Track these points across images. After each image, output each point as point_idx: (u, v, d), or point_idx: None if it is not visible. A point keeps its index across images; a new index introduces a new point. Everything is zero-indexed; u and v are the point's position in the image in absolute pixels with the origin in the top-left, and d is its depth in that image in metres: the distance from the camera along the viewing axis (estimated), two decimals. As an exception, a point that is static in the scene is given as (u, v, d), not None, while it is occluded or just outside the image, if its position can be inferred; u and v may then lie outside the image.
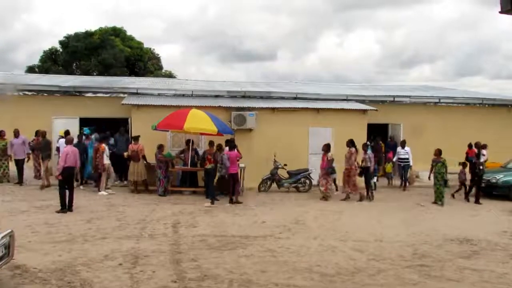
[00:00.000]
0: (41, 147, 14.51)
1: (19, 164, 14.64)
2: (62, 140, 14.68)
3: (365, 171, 13.94)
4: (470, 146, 15.92)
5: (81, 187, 14.18)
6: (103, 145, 13.88)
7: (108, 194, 13.50)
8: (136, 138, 14.13)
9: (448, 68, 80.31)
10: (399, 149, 16.10)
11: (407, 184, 16.13)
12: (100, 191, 13.57)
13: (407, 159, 15.94)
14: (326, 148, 13.91)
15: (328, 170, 13.78)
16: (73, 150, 11.32)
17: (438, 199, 13.49)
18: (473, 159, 14.50)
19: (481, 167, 13.96)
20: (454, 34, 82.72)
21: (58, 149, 14.61)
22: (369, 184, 14.01)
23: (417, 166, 17.74)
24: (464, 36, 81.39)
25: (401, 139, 16.74)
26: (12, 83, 17.43)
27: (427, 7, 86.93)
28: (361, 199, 13.69)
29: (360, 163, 13.97)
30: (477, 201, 13.74)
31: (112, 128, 16.80)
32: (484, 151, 14.92)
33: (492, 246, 8.85)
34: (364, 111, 16.80)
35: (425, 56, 78.42)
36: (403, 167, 16.07)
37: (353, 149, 13.82)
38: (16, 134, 14.56)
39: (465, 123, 18.58)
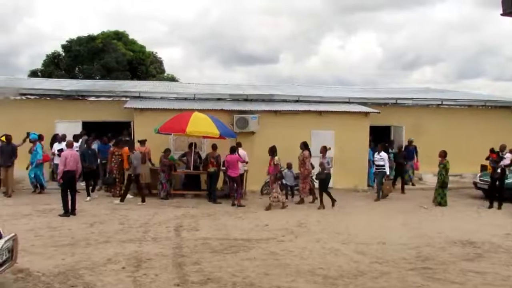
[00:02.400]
0: (4, 152, 13.46)
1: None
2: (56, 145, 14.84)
3: (319, 176, 13.09)
4: (492, 151, 14.85)
5: (96, 195, 13.58)
6: (127, 148, 13.97)
7: (133, 197, 13.59)
8: (143, 141, 14.18)
9: (450, 70, 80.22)
10: (375, 154, 14.80)
11: (380, 194, 14.41)
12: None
13: (383, 165, 14.43)
14: (271, 151, 12.96)
15: (276, 175, 12.82)
16: (73, 153, 11.36)
17: (439, 200, 13.56)
18: (490, 163, 14.15)
19: (498, 171, 13.57)
20: (456, 36, 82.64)
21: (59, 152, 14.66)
22: (324, 190, 13.00)
23: (420, 168, 17.74)
24: (466, 38, 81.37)
25: (379, 143, 15.45)
26: (12, 87, 17.31)
27: (428, 9, 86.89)
28: (313, 201, 13.61)
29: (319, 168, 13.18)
30: (493, 205, 13.39)
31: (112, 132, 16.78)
32: (509, 155, 13.92)
33: (495, 248, 8.82)
34: (366, 113, 16.78)
35: (427, 58, 78.32)
36: (378, 174, 14.61)
37: (306, 152, 13.60)
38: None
39: (467, 125, 18.54)
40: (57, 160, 14.70)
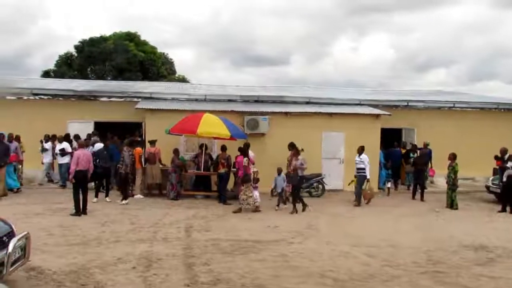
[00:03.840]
0: None
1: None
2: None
3: (293, 180, 12.47)
4: (496, 158, 14.77)
5: (109, 199, 13.10)
6: (139, 148, 14.02)
7: (144, 198, 13.72)
8: (153, 142, 14.25)
9: (463, 72, 79.47)
10: (356, 157, 13.97)
11: (360, 200, 13.68)
12: (135, 194, 13.76)
13: (363, 169, 13.66)
14: (243, 152, 12.97)
15: (245, 178, 12.54)
16: (85, 153, 11.44)
17: (450, 204, 13.51)
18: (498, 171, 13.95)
19: (504, 179, 13.28)
20: (469, 38, 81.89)
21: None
22: (297, 196, 12.57)
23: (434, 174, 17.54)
24: (480, 39, 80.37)
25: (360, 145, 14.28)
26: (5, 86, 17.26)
27: (441, 11, 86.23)
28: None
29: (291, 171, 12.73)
30: (505, 210, 13.09)
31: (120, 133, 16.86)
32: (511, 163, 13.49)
33: (508, 253, 8.71)
34: (377, 115, 16.71)
35: (440, 60, 77.74)
36: (358, 178, 13.83)
37: (294, 151, 13.48)
38: (10, 139, 14.00)
39: (480, 128, 18.38)
40: (61, 160, 14.82)
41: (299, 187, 12.77)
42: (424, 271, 7.41)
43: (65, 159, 14.75)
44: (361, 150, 13.86)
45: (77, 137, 14.96)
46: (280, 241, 9.10)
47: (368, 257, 8.14)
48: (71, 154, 13.70)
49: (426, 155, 16.15)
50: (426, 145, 16.57)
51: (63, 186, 14.88)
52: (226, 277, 6.76)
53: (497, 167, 14.82)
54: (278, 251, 8.30)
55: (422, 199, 14.68)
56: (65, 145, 14.92)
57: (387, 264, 7.72)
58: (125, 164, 13.06)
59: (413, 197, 15.03)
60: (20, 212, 10.94)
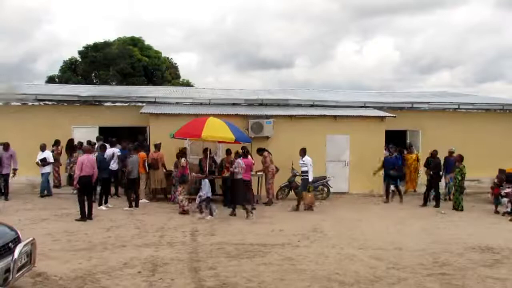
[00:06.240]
0: None
1: (5, 179, 13.79)
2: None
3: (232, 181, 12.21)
4: (495, 184, 14.14)
5: (110, 205, 12.98)
6: (143, 152, 14.03)
7: (149, 202, 13.78)
8: (157, 146, 14.26)
9: (468, 74, 79.30)
10: (300, 159, 13.30)
11: (301, 204, 13.04)
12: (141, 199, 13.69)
13: (306, 172, 13.00)
14: (180, 154, 12.97)
15: (181, 178, 12.37)
16: (90, 159, 11.43)
17: (456, 205, 13.48)
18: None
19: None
20: (474, 39, 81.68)
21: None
22: (247, 197, 12.25)
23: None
24: (485, 41, 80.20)
25: (303, 147, 13.53)
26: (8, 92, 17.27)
27: (447, 12, 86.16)
28: (268, 203, 13.71)
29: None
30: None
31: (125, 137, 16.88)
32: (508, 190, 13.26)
33: (515, 254, 8.68)
34: (382, 118, 16.68)
35: (444, 62, 77.59)
36: (301, 182, 13.26)
37: (265, 153, 13.74)
38: (6, 147, 13.72)
39: (485, 129, 18.30)
40: (42, 170, 14.34)
41: (237, 190, 12.34)
42: (430, 273, 7.38)
43: (46, 169, 14.39)
44: (303, 153, 13.28)
45: (87, 142, 14.66)
46: (286, 244, 9.09)
47: (374, 259, 8.12)
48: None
49: (450, 162, 14.89)
50: (451, 152, 15.10)
51: (43, 196, 14.25)
52: (232, 281, 6.76)
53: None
54: (284, 255, 8.29)
55: (425, 204, 14.22)
56: (46, 154, 14.45)
57: (393, 266, 7.70)
58: (127, 170, 13.04)
59: (424, 204, 14.23)
60: (26, 218, 11.00)
